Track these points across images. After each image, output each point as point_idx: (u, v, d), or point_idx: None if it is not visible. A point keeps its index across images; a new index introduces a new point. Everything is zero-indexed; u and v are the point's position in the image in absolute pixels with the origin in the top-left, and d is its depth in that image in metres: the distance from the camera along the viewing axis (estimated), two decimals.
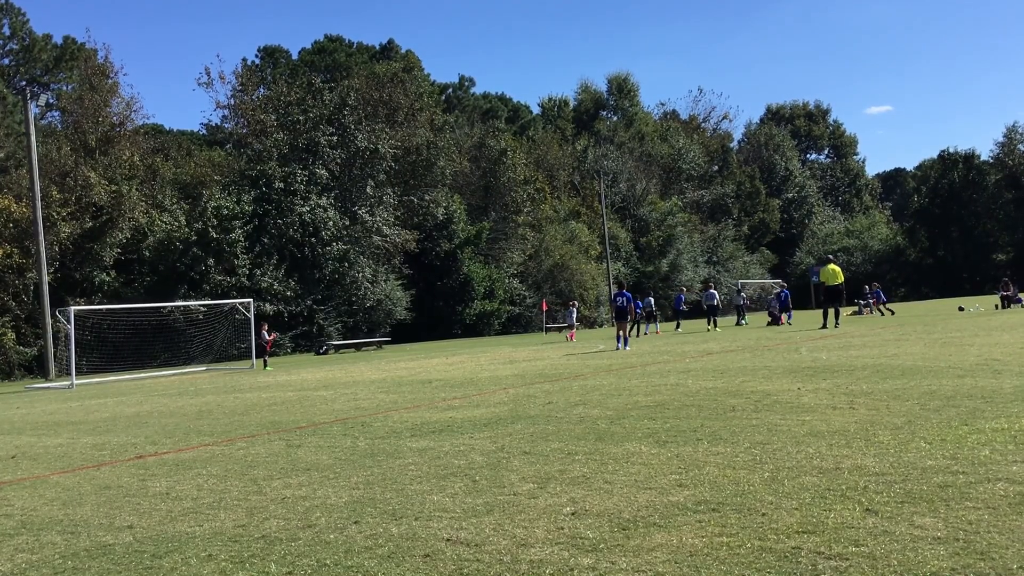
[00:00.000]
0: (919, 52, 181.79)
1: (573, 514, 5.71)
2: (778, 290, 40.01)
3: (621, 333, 25.36)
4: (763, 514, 5.34)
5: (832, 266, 27.93)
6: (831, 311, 28.00)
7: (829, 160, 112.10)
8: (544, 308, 51.26)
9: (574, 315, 38.25)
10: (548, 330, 51.66)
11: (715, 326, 36.26)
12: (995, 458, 6.45)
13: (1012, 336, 18.42)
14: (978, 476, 5.93)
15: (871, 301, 43.37)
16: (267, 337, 30.90)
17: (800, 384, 12.02)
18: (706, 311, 37.63)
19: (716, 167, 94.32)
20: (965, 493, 5.52)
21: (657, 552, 4.75)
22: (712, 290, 38.26)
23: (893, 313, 40.60)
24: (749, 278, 78.26)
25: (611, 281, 62.78)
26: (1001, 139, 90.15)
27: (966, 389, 10.33)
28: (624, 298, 26.19)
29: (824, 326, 27.53)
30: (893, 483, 5.90)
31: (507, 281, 57.81)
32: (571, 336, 36.46)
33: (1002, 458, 6.43)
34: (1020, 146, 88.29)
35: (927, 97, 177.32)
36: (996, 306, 39.75)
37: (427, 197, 54.95)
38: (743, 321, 41.40)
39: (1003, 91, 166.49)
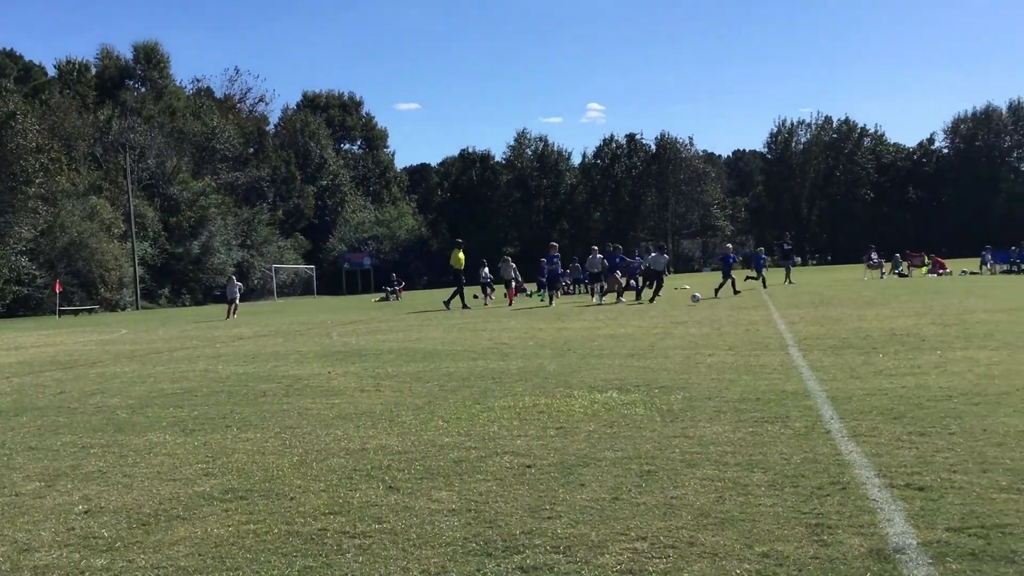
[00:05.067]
0: (446, 54, 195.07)
1: (86, 512, 5.26)
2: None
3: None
4: (291, 498, 5.35)
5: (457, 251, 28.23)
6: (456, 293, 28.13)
7: (362, 151, 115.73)
8: (58, 289, 46.79)
9: (512, 272, 32.09)
10: (62, 313, 47.28)
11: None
12: (502, 433, 7.10)
13: (518, 322, 20.47)
14: (488, 450, 6.49)
15: (398, 289, 45.81)
16: None
17: (331, 368, 12.28)
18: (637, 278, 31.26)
19: (252, 149, 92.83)
20: (476, 467, 6.00)
21: (179, 546, 4.54)
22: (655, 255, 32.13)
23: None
24: (284, 263, 78.28)
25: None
26: (512, 143, 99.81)
27: (479, 371, 11.27)
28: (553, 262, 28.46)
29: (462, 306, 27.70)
30: (414, 460, 6.24)
31: (13, 259, 51.77)
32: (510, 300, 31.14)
33: (508, 433, 7.10)
34: (527, 151, 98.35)
35: (451, 99, 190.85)
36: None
37: None
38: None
39: (520, 96, 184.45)
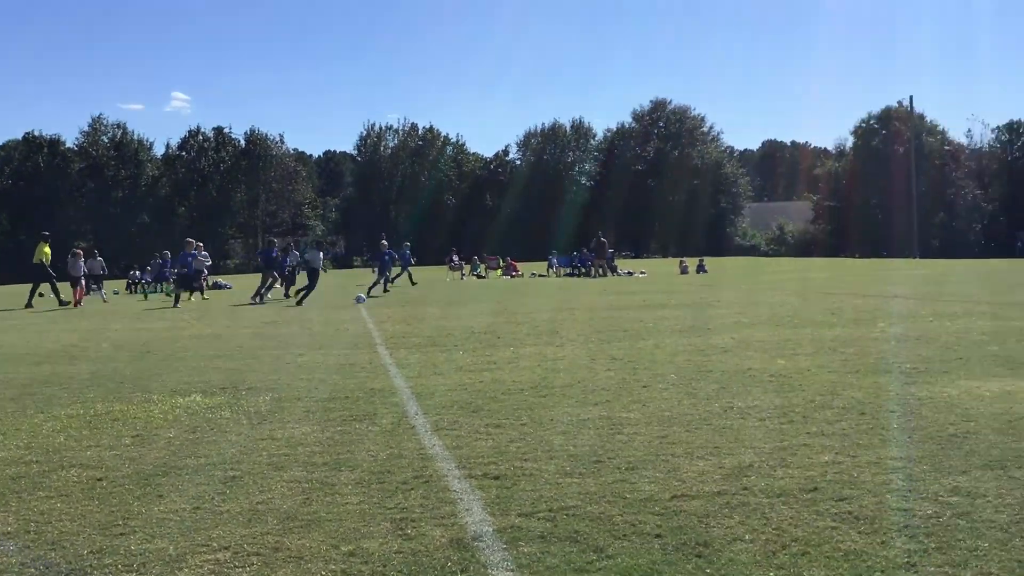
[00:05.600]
0: (5, 19, 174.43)
1: None
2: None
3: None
4: None
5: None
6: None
7: None
8: None
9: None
10: None
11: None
12: (70, 444, 6.46)
13: (91, 323, 18.86)
14: (52, 464, 5.86)
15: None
16: None
17: None
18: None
19: None
20: (38, 483, 5.39)
21: None
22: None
23: None
24: None
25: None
26: (87, 128, 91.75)
27: (43, 376, 10.19)
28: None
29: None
30: None
31: None
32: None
33: (77, 444, 6.47)
34: (103, 138, 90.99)
35: (13, 74, 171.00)
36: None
37: None
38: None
39: (95, 78, 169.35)
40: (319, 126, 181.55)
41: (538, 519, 4.47)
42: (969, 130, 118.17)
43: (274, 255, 27.80)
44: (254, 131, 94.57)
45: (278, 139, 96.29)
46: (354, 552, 4.08)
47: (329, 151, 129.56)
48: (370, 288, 27.63)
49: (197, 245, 29.04)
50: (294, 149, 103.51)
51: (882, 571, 3.68)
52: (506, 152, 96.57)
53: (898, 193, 71.41)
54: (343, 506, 4.77)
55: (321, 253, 29.56)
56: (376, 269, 30.80)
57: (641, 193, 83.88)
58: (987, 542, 3.94)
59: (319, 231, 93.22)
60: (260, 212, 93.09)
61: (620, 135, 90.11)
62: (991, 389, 7.58)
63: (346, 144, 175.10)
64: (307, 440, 6.40)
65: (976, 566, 3.68)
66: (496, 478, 5.26)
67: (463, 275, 42.41)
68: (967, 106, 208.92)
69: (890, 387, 7.87)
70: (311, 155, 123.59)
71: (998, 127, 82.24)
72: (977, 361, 9.23)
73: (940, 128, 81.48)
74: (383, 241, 30.15)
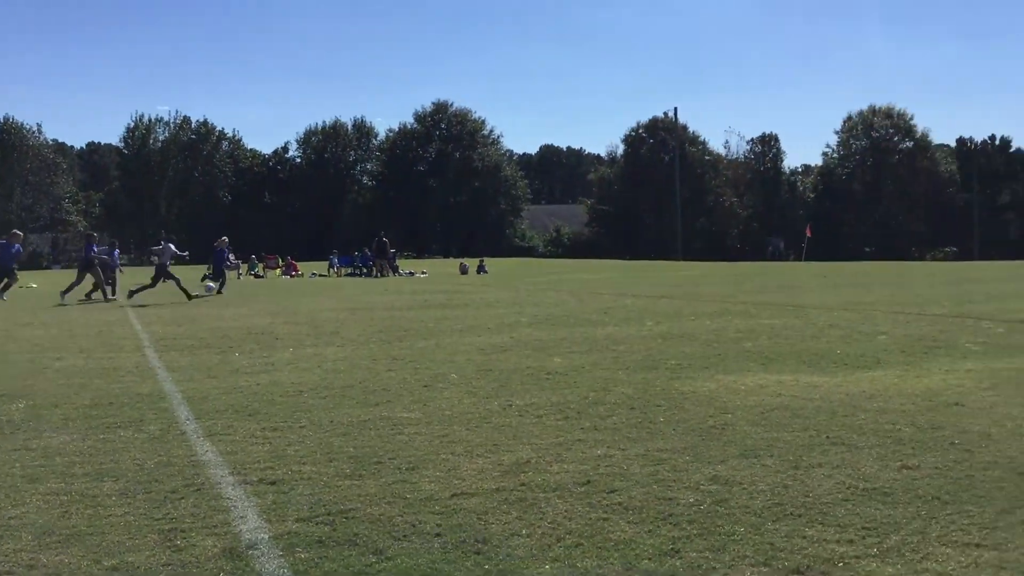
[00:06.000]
0: None
1: None
2: None
3: None
4: None
5: None
6: None
7: None
8: None
9: None
10: None
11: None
12: None
13: None
14: None
15: None
16: None
17: None
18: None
19: None
20: None
21: None
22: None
23: None
24: None
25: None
26: None
27: None
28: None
29: None
30: None
31: None
32: None
33: None
34: None
35: None
36: None
37: None
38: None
39: None
40: (81, 116, 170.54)
41: (316, 524, 4.38)
42: (727, 141, 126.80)
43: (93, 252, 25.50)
44: (7, 119, 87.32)
45: (35, 129, 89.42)
46: (118, 567, 3.84)
47: (93, 143, 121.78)
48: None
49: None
50: (53, 140, 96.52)
51: (649, 559, 3.87)
52: (286, 149, 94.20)
53: (664, 199, 75.69)
54: (106, 518, 4.48)
55: (171, 247, 24.83)
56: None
57: (423, 194, 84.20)
58: (743, 527, 4.23)
59: (81, 226, 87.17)
60: (15, 206, 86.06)
61: (402, 136, 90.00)
62: (746, 383, 8.16)
63: (111, 136, 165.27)
64: (66, 450, 5.98)
65: (733, 550, 3.94)
66: (273, 483, 5.12)
67: (240, 275, 40.98)
68: (725, 119, 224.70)
69: (657, 383, 8.30)
70: (72, 146, 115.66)
71: (752, 139, 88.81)
72: (733, 357, 9.91)
73: (701, 139, 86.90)
74: (223, 238, 28.06)
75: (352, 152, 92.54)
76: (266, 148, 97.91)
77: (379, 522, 4.38)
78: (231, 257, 31.49)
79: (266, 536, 4.22)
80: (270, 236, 79.27)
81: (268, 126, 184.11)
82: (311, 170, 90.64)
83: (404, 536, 4.19)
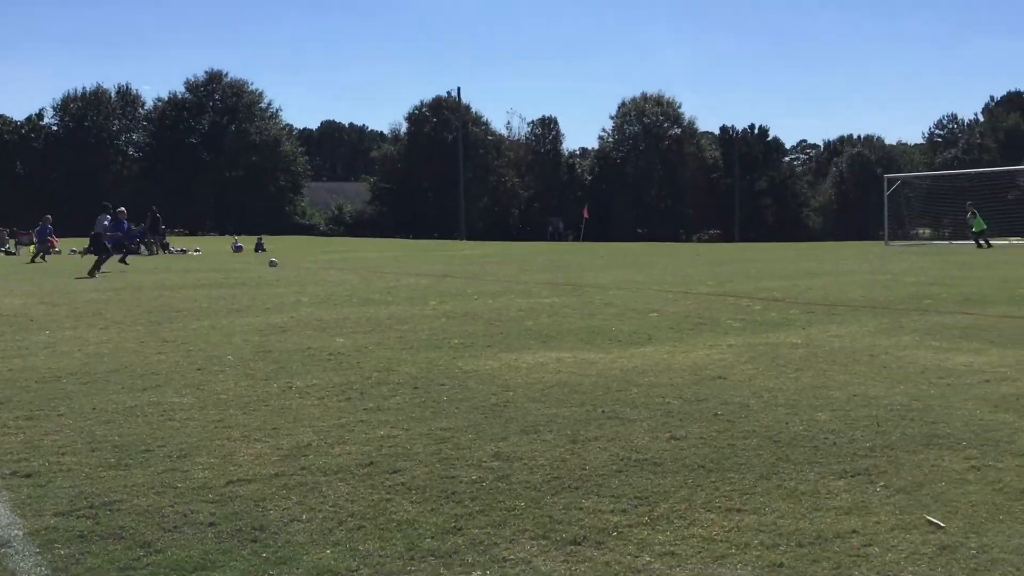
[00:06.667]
0: None
1: None
2: None
3: None
4: None
5: None
6: None
7: None
8: None
9: None
10: None
11: None
12: None
13: None
14: None
15: None
16: None
17: None
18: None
19: None
20: None
21: None
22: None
23: None
24: None
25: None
26: None
27: None
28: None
29: None
30: None
31: None
32: None
33: None
34: None
35: None
36: None
37: None
38: None
39: None
40: None
41: (77, 517, 4.08)
42: (508, 123, 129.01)
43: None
44: None
45: None
46: None
47: None
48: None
49: None
50: None
51: (432, 537, 3.87)
52: (40, 116, 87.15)
53: (447, 178, 76.08)
54: None
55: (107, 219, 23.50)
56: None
57: (196, 168, 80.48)
58: (523, 501, 4.31)
59: None
60: None
61: (172, 105, 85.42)
62: (527, 361, 8.34)
63: None
64: None
65: (514, 524, 4.01)
66: (28, 476, 4.73)
67: None
68: (507, 101, 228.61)
69: (440, 362, 8.33)
70: None
71: (532, 121, 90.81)
72: (515, 336, 10.10)
73: (484, 120, 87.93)
74: (120, 209, 24.96)
75: (116, 121, 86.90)
76: (18, 114, 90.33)
77: (147, 513, 4.14)
78: None
79: (21, 532, 3.90)
80: (25, 210, 73.44)
81: (21, 90, 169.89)
82: (69, 139, 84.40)
83: (175, 527, 3.97)
